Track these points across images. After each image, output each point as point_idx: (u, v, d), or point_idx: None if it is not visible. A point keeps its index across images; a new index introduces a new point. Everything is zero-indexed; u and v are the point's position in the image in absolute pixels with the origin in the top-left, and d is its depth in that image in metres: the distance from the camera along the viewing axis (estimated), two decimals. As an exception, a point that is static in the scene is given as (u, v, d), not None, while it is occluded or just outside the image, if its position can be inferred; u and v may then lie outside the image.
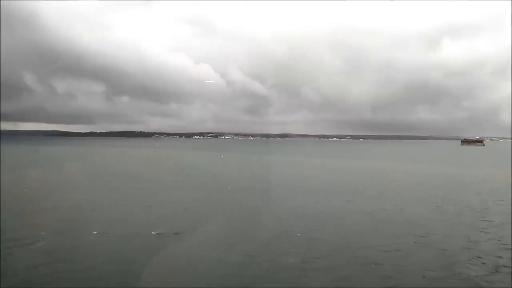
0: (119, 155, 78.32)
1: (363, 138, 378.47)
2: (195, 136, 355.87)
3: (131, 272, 10.37)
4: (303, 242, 13.35)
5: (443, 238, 14.11)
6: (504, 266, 10.98)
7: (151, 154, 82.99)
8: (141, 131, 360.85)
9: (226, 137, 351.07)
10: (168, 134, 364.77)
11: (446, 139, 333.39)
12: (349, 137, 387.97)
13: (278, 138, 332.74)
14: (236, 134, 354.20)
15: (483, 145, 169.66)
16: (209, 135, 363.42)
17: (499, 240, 13.75)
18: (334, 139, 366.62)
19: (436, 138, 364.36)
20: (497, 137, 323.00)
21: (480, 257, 11.77)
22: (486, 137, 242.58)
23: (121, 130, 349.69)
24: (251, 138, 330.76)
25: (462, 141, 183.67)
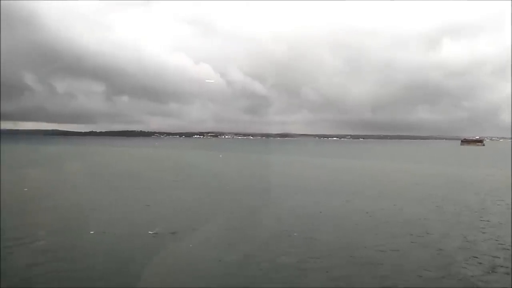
0: (119, 155, 78.34)
1: (363, 138, 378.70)
2: (195, 136, 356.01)
3: (130, 271, 10.43)
4: (302, 242, 13.40)
5: (442, 238, 14.16)
6: (501, 266, 11.03)
7: (151, 154, 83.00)
8: (141, 131, 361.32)
9: (226, 137, 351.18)
10: (168, 134, 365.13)
11: (446, 139, 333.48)
12: (349, 137, 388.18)
13: (278, 138, 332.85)
14: (236, 134, 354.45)
15: (483, 145, 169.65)
16: (209, 134, 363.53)
17: (496, 240, 13.80)
18: (334, 139, 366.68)
19: (436, 138, 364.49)
20: (497, 137, 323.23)
21: (477, 257, 11.82)
22: (486, 137, 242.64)
23: (121, 130, 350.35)
24: (251, 137, 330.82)
25: (462, 141, 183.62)
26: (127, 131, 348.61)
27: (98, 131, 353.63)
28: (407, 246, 13.04)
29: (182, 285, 9.87)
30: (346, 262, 11.37)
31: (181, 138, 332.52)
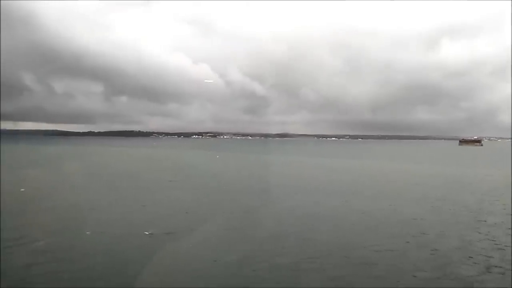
0: (117, 155, 78.28)
1: (362, 138, 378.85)
2: (194, 136, 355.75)
3: (128, 271, 10.44)
4: (299, 242, 13.42)
5: (438, 238, 14.19)
6: (495, 266, 11.06)
7: (149, 154, 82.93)
8: (139, 131, 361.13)
9: (225, 137, 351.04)
10: (167, 134, 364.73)
11: (444, 139, 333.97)
12: (347, 137, 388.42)
13: (277, 138, 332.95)
14: (235, 134, 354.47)
15: (481, 145, 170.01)
16: (207, 135, 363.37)
17: (493, 240, 13.83)
18: (333, 139, 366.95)
19: (434, 138, 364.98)
20: (495, 137, 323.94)
21: (472, 257, 11.85)
22: (484, 137, 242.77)
23: (119, 130, 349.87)
24: (250, 138, 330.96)
25: (460, 141, 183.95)
26: (126, 131, 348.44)
27: (96, 131, 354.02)
28: (403, 246, 13.06)
29: (180, 285, 9.88)
30: (342, 262, 11.40)
31: (179, 138, 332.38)
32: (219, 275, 10.47)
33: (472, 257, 11.87)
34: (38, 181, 32.06)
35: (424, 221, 17.04)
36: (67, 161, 59.80)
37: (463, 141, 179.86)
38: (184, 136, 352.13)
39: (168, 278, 10.28)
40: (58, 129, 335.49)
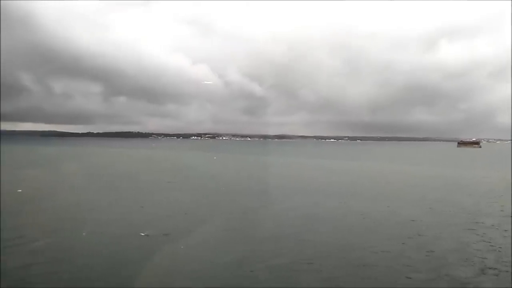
0: (115, 156, 78.29)
1: (361, 140, 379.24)
2: (193, 137, 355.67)
3: (127, 272, 10.52)
4: (296, 244, 13.48)
5: (434, 240, 14.26)
6: (490, 268, 11.15)
7: (148, 155, 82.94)
8: (138, 132, 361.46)
9: (224, 138, 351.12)
10: (166, 135, 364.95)
11: (443, 140, 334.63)
12: (346, 138, 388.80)
13: (276, 139, 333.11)
14: (234, 135, 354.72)
15: (480, 146, 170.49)
16: (206, 136, 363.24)
17: (488, 242, 13.92)
18: (332, 140, 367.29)
19: (433, 140, 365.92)
20: (494, 139, 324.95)
21: (468, 259, 11.94)
22: (483, 139, 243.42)
23: (118, 131, 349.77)
24: (249, 139, 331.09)
25: (458, 143, 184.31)
26: (125, 132, 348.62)
27: (95, 132, 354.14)
28: (399, 247, 13.14)
29: (178, 286, 9.96)
30: (339, 263, 11.48)
31: (178, 139, 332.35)
32: (217, 276, 10.53)
33: (467, 259, 11.96)
34: (36, 181, 32.06)
35: (422, 222, 17.13)
36: (65, 162, 59.76)
37: (462, 143, 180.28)
38: (183, 137, 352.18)
39: (167, 279, 10.36)
40: (57, 129, 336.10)
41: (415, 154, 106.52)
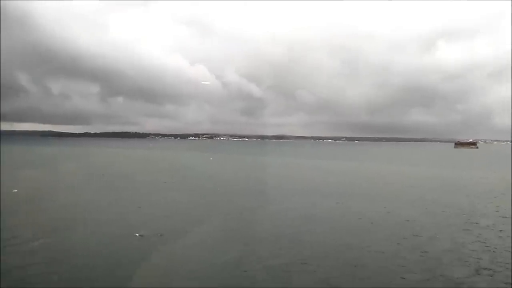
0: (113, 156, 78.16)
1: (359, 140, 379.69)
2: (190, 137, 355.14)
3: (126, 272, 10.56)
4: (293, 244, 13.55)
5: (429, 240, 14.36)
6: (484, 268, 11.24)
7: (145, 155, 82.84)
8: (136, 132, 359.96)
9: (222, 138, 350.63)
10: (163, 135, 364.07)
11: (440, 141, 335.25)
12: (344, 139, 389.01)
13: (274, 140, 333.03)
14: (232, 136, 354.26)
15: (477, 147, 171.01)
16: (204, 136, 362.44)
17: (484, 243, 14.02)
18: (330, 141, 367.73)
19: (431, 141, 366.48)
20: (491, 140, 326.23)
21: (462, 259, 12.04)
22: (480, 140, 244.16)
23: (116, 131, 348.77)
24: (247, 139, 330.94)
25: (455, 144, 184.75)
26: (122, 132, 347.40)
27: (93, 132, 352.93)
28: (394, 248, 13.23)
29: (176, 285, 10.02)
30: (334, 264, 11.56)
31: (176, 139, 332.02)
32: (214, 276, 10.59)
33: (462, 259, 12.06)
34: (34, 181, 31.99)
35: (418, 223, 17.22)
36: (63, 162, 59.64)
37: (459, 144, 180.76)
38: (180, 138, 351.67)
39: (165, 279, 10.41)
40: (54, 130, 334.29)
41: (412, 155, 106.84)
